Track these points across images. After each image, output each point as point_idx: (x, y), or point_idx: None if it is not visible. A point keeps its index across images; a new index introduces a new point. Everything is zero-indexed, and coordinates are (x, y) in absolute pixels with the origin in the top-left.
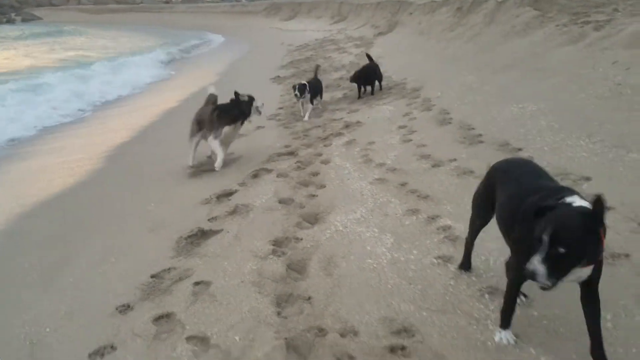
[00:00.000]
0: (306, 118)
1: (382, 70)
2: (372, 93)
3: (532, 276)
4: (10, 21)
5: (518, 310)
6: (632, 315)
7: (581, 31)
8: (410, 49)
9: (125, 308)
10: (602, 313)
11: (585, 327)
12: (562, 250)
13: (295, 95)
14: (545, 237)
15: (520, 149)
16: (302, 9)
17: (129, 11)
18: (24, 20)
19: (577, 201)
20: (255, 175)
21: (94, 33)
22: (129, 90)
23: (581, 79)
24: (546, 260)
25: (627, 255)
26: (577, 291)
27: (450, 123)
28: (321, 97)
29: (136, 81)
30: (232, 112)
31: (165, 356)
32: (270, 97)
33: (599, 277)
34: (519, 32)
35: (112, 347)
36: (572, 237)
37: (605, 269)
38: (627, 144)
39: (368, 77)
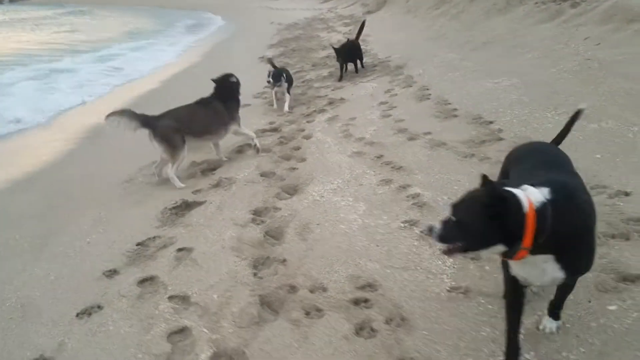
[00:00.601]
0: (286, 108)
1: (369, 48)
2: (357, 71)
3: (427, 231)
4: None
5: (471, 265)
6: None
7: (558, 8)
8: (397, 27)
9: (112, 273)
10: None
11: None
12: (452, 218)
13: (268, 82)
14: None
15: (491, 122)
16: None
17: None
18: (12, 1)
19: (520, 190)
20: (239, 151)
21: (94, 14)
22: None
23: (554, 55)
24: (444, 223)
25: None
26: None
27: (428, 99)
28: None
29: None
30: (238, 95)
31: (148, 313)
32: (258, 76)
33: (574, 281)
34: (500, 9)
35: (99, 306)
36: (462, 210)
37: None
38: (589, 115)
39: (351, 54)
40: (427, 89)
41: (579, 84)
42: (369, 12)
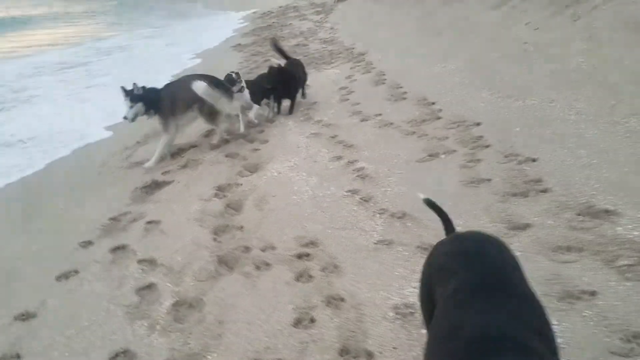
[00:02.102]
0: (252, 116)
1: (337, 36)
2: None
3: None
4: None
5: (397, 223)
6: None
7: None
8: (364, 16)
9: (87, 243)
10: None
11: None
12: None
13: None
14: None
15: (433, 103)
16: None
17: None
18: None
19: None
20: (206, 135)
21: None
22: None
23: (497, 40)
24: None
25: (489, 180)
26: None
27: (384, 83)
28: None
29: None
30: None
31: (119, 274)
32: (229, 64)
33: None
34: None
35: (75, 271)
36: None
37: (469, 191)
38: (516, 94)
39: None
40: (384, 74)
41: (514, 66)
42: (340, 0)
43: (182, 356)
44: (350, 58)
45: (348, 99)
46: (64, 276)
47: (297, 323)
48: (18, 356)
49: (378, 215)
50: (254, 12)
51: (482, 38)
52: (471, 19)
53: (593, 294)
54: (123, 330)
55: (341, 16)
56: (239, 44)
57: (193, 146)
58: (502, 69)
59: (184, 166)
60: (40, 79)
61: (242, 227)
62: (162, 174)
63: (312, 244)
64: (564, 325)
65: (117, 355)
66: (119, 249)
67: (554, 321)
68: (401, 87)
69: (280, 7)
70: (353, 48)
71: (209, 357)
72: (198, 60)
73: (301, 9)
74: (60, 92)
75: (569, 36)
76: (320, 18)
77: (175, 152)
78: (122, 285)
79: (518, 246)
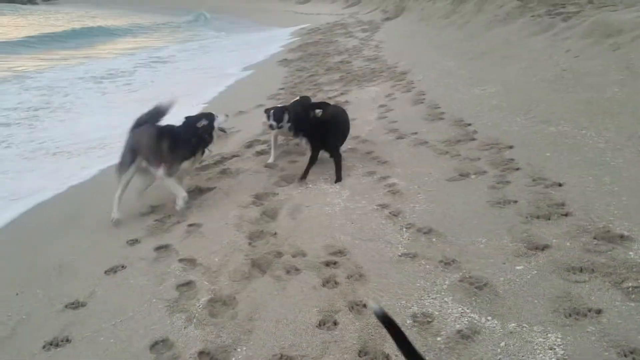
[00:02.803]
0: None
1: (381, 54)
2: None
3: None
4: (31, 1)
5: (423, 238)
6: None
7: (551, 22)
8: (409, 35)
9: (134, 242)
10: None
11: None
12: None
13: (271, 125)
14: None
15: (469, 124)
16: None
17: None
18: (45, 0)
19: None
20: (249, 146)
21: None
22: None
23: (537, 65)
24: None
25: (515, 202)
26: None
27: (422, 103)
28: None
29: None
30: (190, 142)
31: (162, 271)
32: (274, 79)
33: None
34: (500, 21)
35: (122, 266)
36: None
37: (495, 211)
38: (551, 119)
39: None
40: (423, 94)
41: (552, 92)
42: (387, 19)
43: (215, 347)
44: (392, 76)
45: (386, 117)
46: (112, 270)
47: (321, 324)
48: (68, 340)
49: (405, 229)
50: (302, 28)
51: (522, 63)
52: (513, 44)
53: (599, 312)
54: (163, 322)
55: (386, 35)
56: (285, 59)
57: (235, 155)
58: (539, 94)
59: (226, 175)
60: (84, 85)
61: (275, 233)
62: (206, 180)
63: (340, 252)
64: (568, 340)
65: (157, 343)
66: (162, 248)
67: (559, 335)
68: (439, 107)
69: (328, 23)
70: (396, 67)
71: (238, 349)
72: (246, 74)
73: (348, 26)
74: (99, 101)
75: (607, 65)
76: (366, 36)
77: (218, 161)
78: (164, 281)
79: (534, 265)
